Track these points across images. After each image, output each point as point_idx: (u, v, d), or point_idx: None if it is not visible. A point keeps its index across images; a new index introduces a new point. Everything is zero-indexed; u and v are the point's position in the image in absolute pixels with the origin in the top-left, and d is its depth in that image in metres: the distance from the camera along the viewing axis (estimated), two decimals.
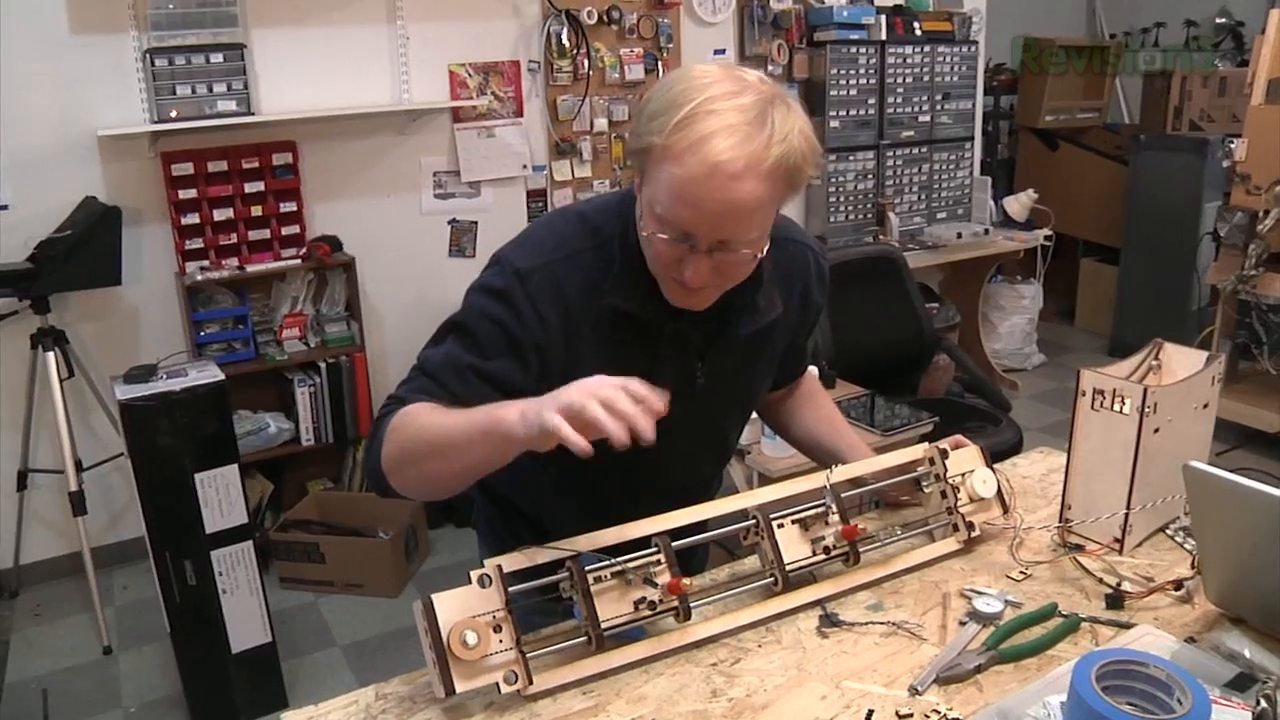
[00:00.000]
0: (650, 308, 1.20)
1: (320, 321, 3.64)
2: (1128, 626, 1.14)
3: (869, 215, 4.75)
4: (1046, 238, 4.80)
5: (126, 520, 3.43)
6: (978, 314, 5.00)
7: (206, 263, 3.35)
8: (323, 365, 3.56)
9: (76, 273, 3.03)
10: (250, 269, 3.40)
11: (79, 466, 3.06)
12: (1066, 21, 6.56)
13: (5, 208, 3.13)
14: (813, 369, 2.83)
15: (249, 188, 3.38)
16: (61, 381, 3.01)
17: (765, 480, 2.49)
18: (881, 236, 4.65)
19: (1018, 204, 4.83)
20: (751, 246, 1.11)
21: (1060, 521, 1.36)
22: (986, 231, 4.73)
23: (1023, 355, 5.13)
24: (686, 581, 1.12)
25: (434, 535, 3.65)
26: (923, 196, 4.90)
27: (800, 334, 1.42)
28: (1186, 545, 1.32)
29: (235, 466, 2.50)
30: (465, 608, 1.02)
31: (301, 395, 3.53)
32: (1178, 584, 1.21)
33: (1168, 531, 1.36)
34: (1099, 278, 5.59)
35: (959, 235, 4.58)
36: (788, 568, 1.20)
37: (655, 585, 1.12)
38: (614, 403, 0.96)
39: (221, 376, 2.48)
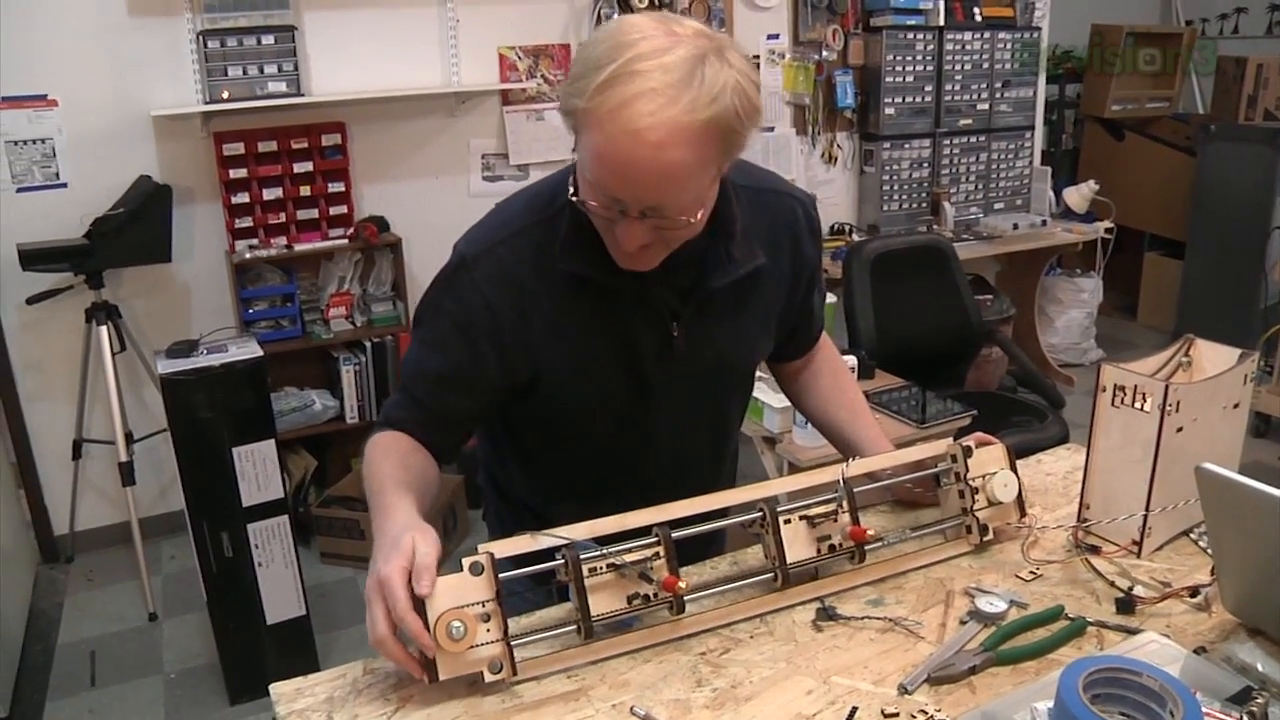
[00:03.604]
0: (605, 269, 1.16)
1: (366, 301, 3.69)
2: (1136, 633, 1.09)
3: (923, 204, 4.66)
4: (1107, 230, 4.67)
5: (175, 491, 3.50)
6: (1034, 307, 4.89)
7: (255, 241, 3.42)
8: (368, 344, 3.60)
9: (128, 249, 3.12)
10: (298, 248, 3.46)
11: (129, 438, 3.15)
12: (1140, 6, 6.35)
13: (64, 186, 3.23)
14: (849, 359, 2.80)
15: (298, 168, 3.44)
16: (114, 355, 3.10)
17: (794, 470, 2.46)
18: (936, 226, 4.56)
19: (1078, 195, 4.70)
20: (685, 212, 1.05)
21: (1078, 521, 1.31)
22: (1044, 223, 4.61)
23: (1080, 350, 5.01)
24: (682, 585, 1.10)
25: (473, 515, 3.69)
26: (980, 186, 4.79)
27: (798, 291, 1.36)
28: (1209, 551, 1.26)
29: (272, 442, 2.55)
30: (455, 595, 1.01)
31: (347, 373, 3.58)
32: (1194, 590, 1.16)
33: (1191, 536, 1.31)
34: (1163, 272, 5.43)
35: (1015, 226, 4.47)
36: (790, 565, 1.17)
37: (651, 581, 1.10)
38: (384, 645, 0.99)
39: (260, 353, 2.53)
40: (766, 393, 2.56)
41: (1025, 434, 2.85)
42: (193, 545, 2.55)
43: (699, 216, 1.08)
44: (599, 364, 1.22)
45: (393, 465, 1.16)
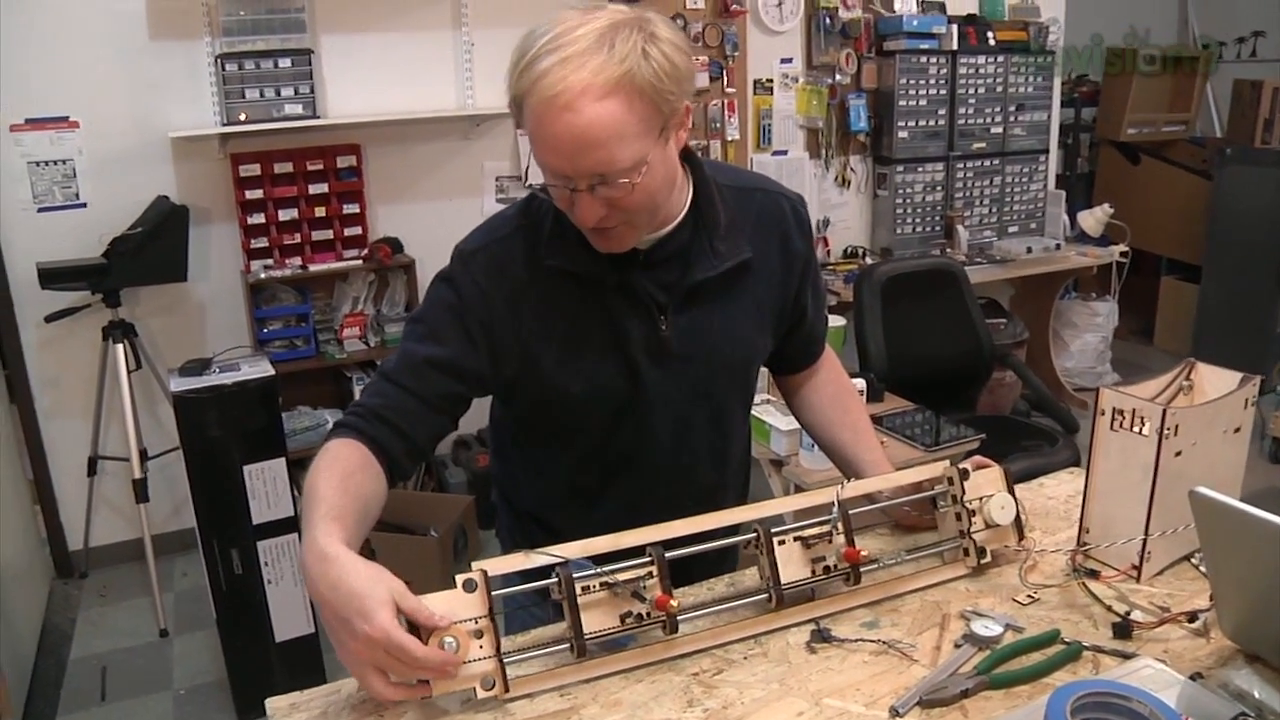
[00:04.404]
0: (588, 261, 1.21)
1: (380, 322, 3.71)
2: (1131, 658, 1.09)
3: (937, 228, 4.66)
4: (1122, 254, 4.65)
5: (188, 509, 3.48)
6: (1048, 330, 4.87)
7: (270, 261, 3.46)
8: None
9: (145, 268, 3.16)
10: (313, 268, 3.50)
11: (143, 455, 3.18)
12: (1157, 30, 6.34)
13: (84, 206, 3.28)
14: (859, 381, 2.79)
15: (313, 189, 3.48)
16: (129, 373, 3.13)
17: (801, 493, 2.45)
18: (950, 250, 4.56)
19: (1092, 219, 4.69)
20: (625, 174, 1.09)
21: (1078, 545, 1.31)
22: (1058, 247, 4.60)
23: (1095, 374, 4.98)
24: (674, 604, 1.10)
25: (485, 535, 3.69)
26: (994, 209, 4.79)
27: (790, 286, 1.38)
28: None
29: (283, 460, 2.57)
30: (449, 612, 1.02)
31: (360, 394, 3.59)
32: (1192, 616, 1.15)
33: (1192, 561, 1.30)
34: (1180, 296, 5.40)
35: (1028, 250, 4.46)
36: (784, 586, 1.17)
37: (643, 600, 1.10)
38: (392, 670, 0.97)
39: (272, 372, 2.55)
40: (774, 415, 2.56)
41: (1035, 458, 2.83)
42: (203, 562, 2.56)
43: (642, 179, 1.11)
44: (589, 357, 1.25)
45: (330, 486, 1.10)
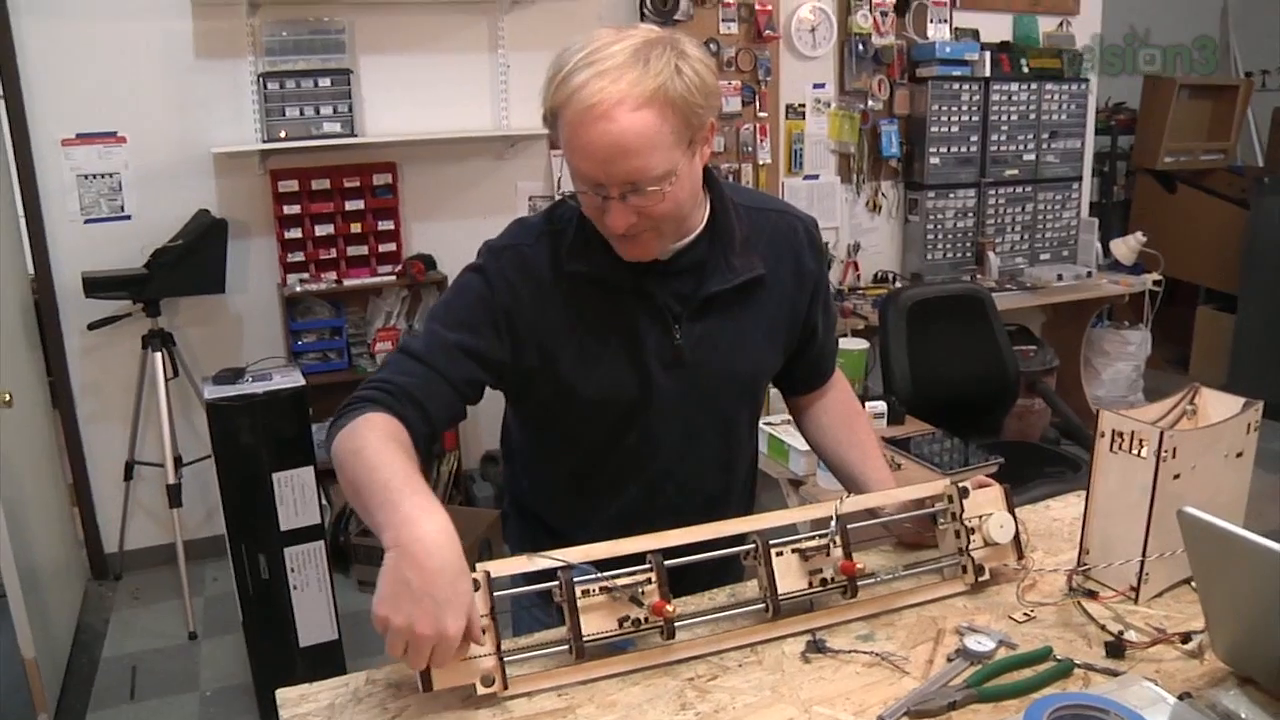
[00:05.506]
0: (608, 268, 1.27)
1: None
2: (1121, 676, 1.10)
3: (968, 254, 4.66)
4: (1155, 282, 4.61)
5: (220, 515, 3.59)
6: (1080, 358, 4.84)
7: (306, 275, 3.54)
8: None
9: (185, 279, 3.25)
10: (347, 283, 3.58)
11: (178, 462, 3.26)
12: (1197, 58, 6.28)
13: (128, 218, 3.39)
14: (879, 404, 2.79)
15: (350, 206, 3.56)
16: (167, 381, 3.22)
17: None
18: (980, 276, 4.55)
19: (1125, 247, 4.66)
20: (656, 183, 1.15)
21: (1077, 565, 1.32)
22: (1090, 274, 4.58)
23: (1127, 403, 4.93)
24: (670, 609, 1.13)
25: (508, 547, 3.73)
26: (1025, 236, 4.78)
27: (800, 304, 1.41)
28: None
29: (311, 469, 2.62)
30: None
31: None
32: (1186, 637, 1.16)
33: (1191, 584, 1.30)
34: (1216, 326, 5.34)
35: (1059, 277, 4.45)
36: (782, 597, 1.20)
37: (641, 604, 1.14)
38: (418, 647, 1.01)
39: (302, 382, 2.62)
40: (793, 435, 2.58)
41: (1057, 484, 2.81)
42: (232, 567, 2.62)
43: (672, 188, 1.16)
44: (604, 359, 1.30)
45: (397, 458, 1.11)
